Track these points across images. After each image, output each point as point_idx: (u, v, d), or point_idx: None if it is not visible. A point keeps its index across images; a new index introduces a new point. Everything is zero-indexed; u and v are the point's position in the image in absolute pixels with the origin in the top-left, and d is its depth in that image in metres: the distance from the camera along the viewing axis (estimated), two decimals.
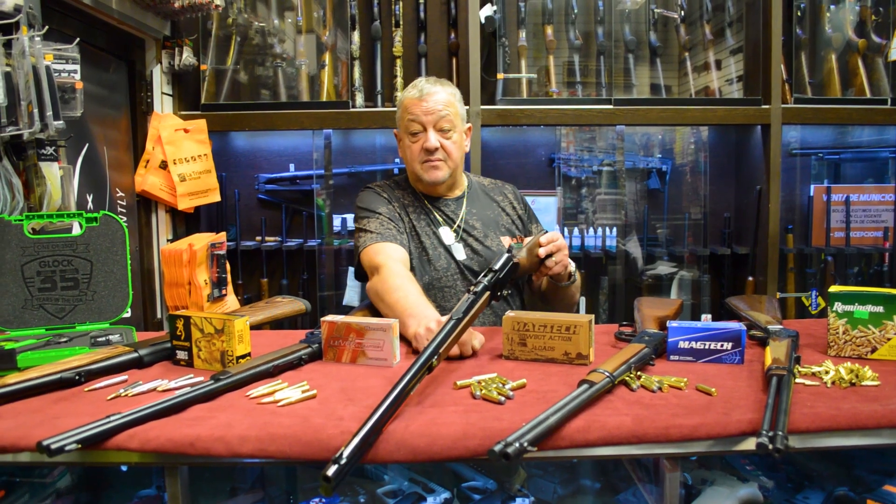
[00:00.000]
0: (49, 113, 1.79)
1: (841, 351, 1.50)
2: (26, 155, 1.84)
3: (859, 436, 1.15)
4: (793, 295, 3.18)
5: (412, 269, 2.09)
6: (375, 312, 1.90)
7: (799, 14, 3.11)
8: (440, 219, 2.17)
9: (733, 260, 3.27)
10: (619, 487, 1.49)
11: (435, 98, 2.07)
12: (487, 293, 1.50)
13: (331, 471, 0.95)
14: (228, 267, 2.79)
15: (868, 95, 3.11)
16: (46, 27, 1.82)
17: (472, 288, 1.49)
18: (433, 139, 2.06)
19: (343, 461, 0.96)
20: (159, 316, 2.85)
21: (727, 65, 3.22)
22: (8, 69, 1.72)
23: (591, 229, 3.23)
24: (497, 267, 1.57)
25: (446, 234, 2.14)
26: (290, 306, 2.15)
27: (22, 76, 1.74)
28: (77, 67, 1.97)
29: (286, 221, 3.25)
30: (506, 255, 1.61)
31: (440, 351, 1.28)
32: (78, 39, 1.97)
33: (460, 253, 2.11)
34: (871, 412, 1.15)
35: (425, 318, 1.61)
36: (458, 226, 2.16)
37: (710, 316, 3.19)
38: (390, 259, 1.94)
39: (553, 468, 1.56)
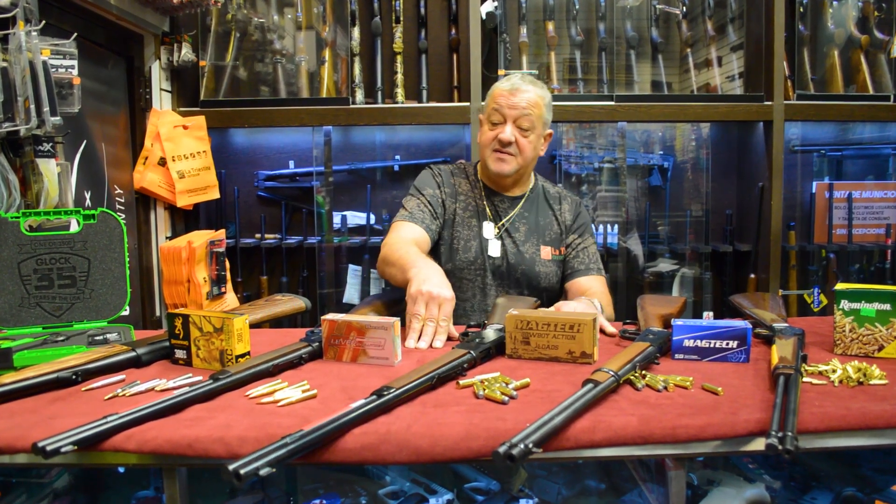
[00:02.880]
0: (46, 109, 1.77)
1: (847, 349, 1.48)
2: (23, 151, 1.82)
3: (868, 436, 1.14)
4: (795, 292, 3.16)
5: (439, 254, 2.17)
6: (377, 310, 1.89)
7: (801, 10, 3.09)
8: (489, 213, 2.22)
9: (735, 257, 3.25)
10: (625, 488, 1.47)
11: (523, 95, 2.12)
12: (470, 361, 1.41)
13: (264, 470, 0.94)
14: (228, 264, 2.77)
15: (870, 92, 3.09)
16: (43, 22, 1.80)
17: (460, 347, 1.44)
18: (509, 132, 2.11)
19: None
20: (158, 314, 2.83)
21: (728, 61, 3.20)
22: (4, 64, 1.70)
23: (592, 226, 3.21)
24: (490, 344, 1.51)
25: (489, 228, 2.19)
26: (290, 304, 2.14)
27: (18, 71, 1.72)
28: (75, 63, 1.95)
29: (286, 219, 3.23)
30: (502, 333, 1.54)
31: (407, 394, 1.21)
32: (75, 35, 1.95)
33: (495, 250, 2.15)
34: (880, 412, 1.13)
35: (425, 276, 1.71)
36: (503, 224, 2.21)
37: (711, 314, 3.20)
38: (395, 238, 2.05)
39: (557, 469, 1.54)
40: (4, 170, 1.74)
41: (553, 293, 2.26)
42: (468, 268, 2.16)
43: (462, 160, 2.37)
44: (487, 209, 2.22)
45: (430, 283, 1.67)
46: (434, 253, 2.19)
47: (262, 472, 0.90)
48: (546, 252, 2.23)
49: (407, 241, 2.03)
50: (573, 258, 2.28)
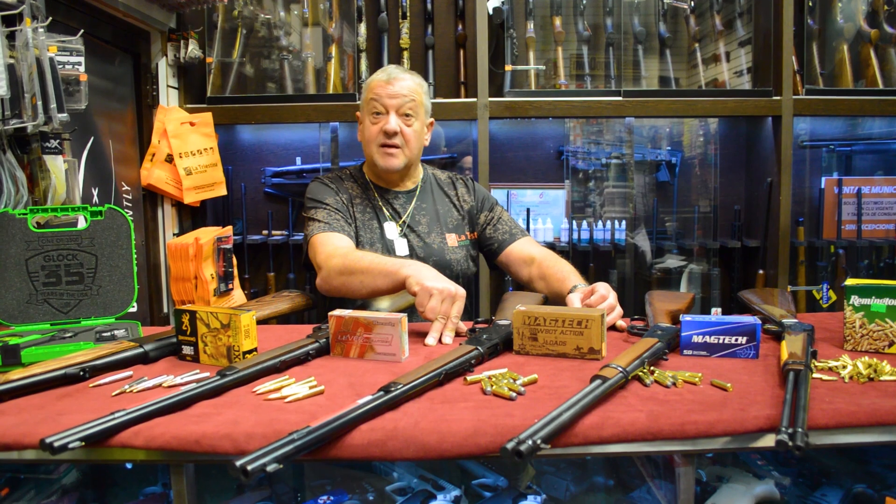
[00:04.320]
0: (53, 105, 1.77)
1: (857, 345, 1.47)
2: (30, 148, 1.83)
3: (879, 432, 1.12)
4: (803, 288, 3.15)
5: None
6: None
7: (810, 4, 3.08)
8: (387, 213, 2.17)
9: (743, 253, 3.24)
10: (633, 485, 1.47)
11: (401, 84, 2.08)
12: (477, 357, 1.40)
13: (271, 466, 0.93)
14: (235, 261, 2.77)
15: (880, 86, 3.07)
16: (50, 18, 1.80)
17: (473, 342, 1.44)
18: (393, 122, 2.07)
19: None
20: (165, 310, 2.83)
21: (736, 56, 3.19)
22: (11, 61, 1.70)
23: (600, 222, 3.20)
24: (497, 340, 1.50)
25: (391, 228, 2.14)
26: (297, 301, 2.14)
27: (25, 68, 1.72)
28: (81, 59, 1.95)
29: (293, 215, 3.23)
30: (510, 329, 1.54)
31: (414, 390, 1.20)
32: (82, 31, 1.96)
33: (402, 249, 2.11)
34: (891, 408, 1.12)
35: (429, 273, 1.68)
36: (404, 221, 2.16)
37: (720, 310, 3.19)
38: (341, 246, 1.96)
39: (565, 465, 1.54)
40: (12, 166, 1.74)
41: (467, 278, 2.22)
42: None
43: (349, 167, 2.33)
44: (385, 209, 2.17)
45: (441, 279, 1.64)
46: None
47: (270, 468, 0.90)
48: (452, 239, 2.19)
49: (354, 247, 1.98)
50: (494, 232, 2.24)
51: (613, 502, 1.50)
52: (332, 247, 1.96)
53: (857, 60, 3.14)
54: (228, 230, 2.74)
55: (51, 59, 1.78)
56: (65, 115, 1.81)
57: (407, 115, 2.08)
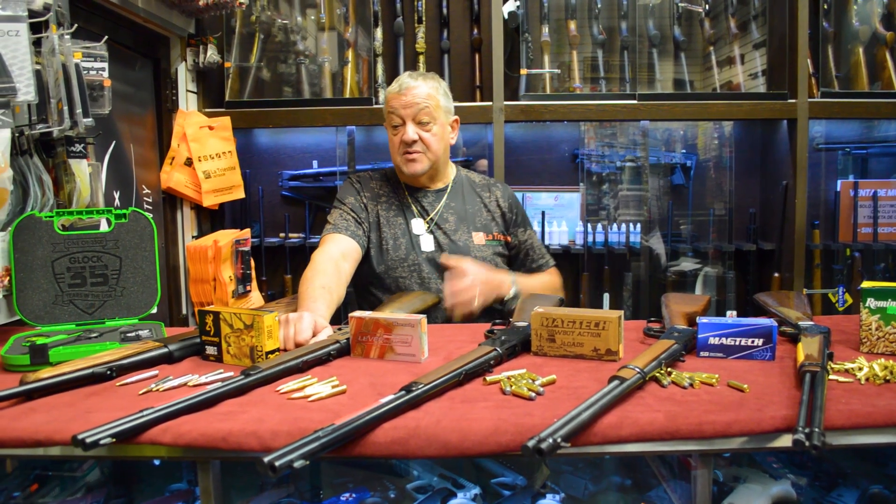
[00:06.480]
0: (78, 110, 1.80)
1: (874, 347, 1.47)
2: (56, 152, 1.86)
3: (895, 433, 1.13)
4: (819, 291, 3.14)
5: (370, 258, 2.18)
6: (402, 306, 1.90)
7: (825, 7, 3.07)
8: (416, 210, 2.23)
9: (759, 256, 3.24)
10: (650, 484, 1.48)
11: (414, 92, 2.13)
12: (496, 358, 1.42)
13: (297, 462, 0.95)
14: (253, 263, 2.80)
15: None
16: (75, 25, 1.84)
17: (490, 343, 1.45)
18: (410, 132, 2.12)
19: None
20: (185, 312, 2.87)
21: (751, 59, 3.19)
22: (38, 67, 1.73)
23: (615, 225, 3.21)
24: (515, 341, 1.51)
25: (418, 225, 2.21)
26: None
27: (52, 74, 1.75)
28: (105, 65, 1.99)
29: (310, 218, 3.25)
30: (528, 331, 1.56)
31: (435, 390, 1.22)
32: (106, 37, 1.99)
33: (428, 245, 2.17)
34: None
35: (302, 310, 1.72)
36: (431, 218, 2.22)
37: (735, 312, 3.18)
38: (321, 254, 2.05)
39: (583, 464, 1.55)
40: (38, 170, 1.77)
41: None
42: (400, 266, 2.16)
43: (386, 168, 2.40)
44: (413, 206, 2.24)
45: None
46: (365, 258, 2.19)
47: (297, 464, 0.92)
48: (479, 237, 2.23)
49: (330, 260, 2.01)
50: (525, 257, 2.32)
51: (631, 502, 1.52)
52: (321, 252, 2.06)
53: (873, 63, 3.13)
54: (246, 233, 2.77)
55: (76, 65, 1.81)
56: (90, 119, 1.85)
57: (424, 122, 2.13)
